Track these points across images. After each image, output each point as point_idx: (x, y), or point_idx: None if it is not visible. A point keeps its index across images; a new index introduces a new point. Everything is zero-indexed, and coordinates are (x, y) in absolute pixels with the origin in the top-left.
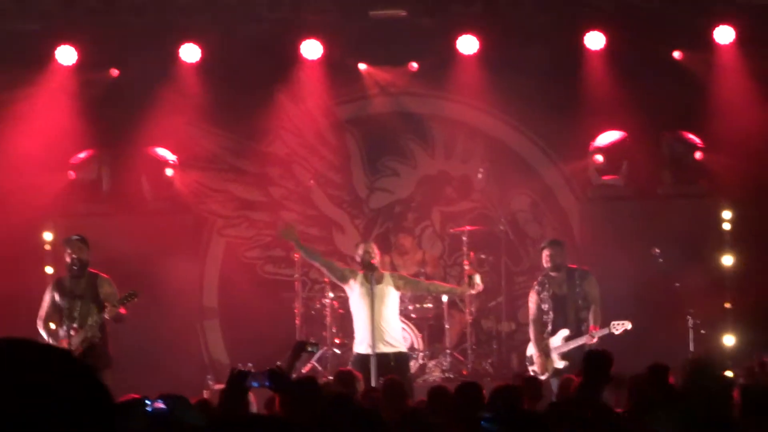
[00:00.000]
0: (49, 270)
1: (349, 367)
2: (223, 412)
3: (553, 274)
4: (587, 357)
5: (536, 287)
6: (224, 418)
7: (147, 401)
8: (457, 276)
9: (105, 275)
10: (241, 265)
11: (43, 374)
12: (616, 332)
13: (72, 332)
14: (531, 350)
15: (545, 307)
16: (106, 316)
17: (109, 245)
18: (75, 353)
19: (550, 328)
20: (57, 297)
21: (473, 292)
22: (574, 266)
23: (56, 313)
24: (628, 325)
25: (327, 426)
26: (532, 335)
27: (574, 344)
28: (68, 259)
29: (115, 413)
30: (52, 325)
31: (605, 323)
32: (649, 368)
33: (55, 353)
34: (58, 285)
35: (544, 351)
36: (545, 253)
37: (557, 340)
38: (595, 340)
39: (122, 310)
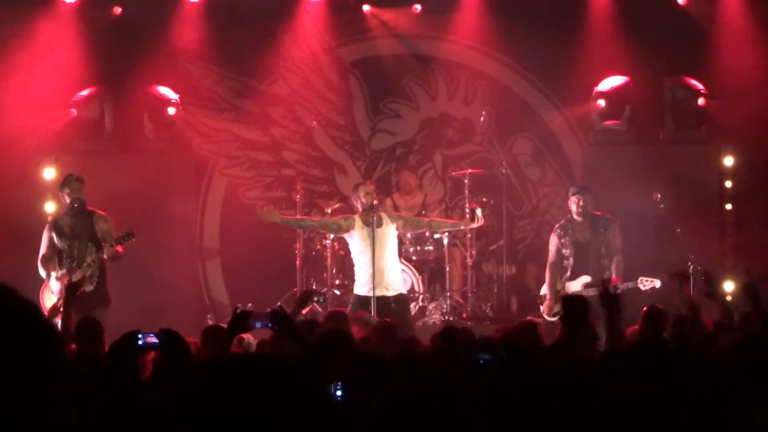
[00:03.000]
0: (49, 207)
1: (340, 308)
2: (217, 350)
3: (577, 219)
4: (564, 303)
5: (558, 231)
6: (216, 357)
7: (139, 335)
8: (458, 218)
9: (101, 212)
10: (242, 205)
11: None
12: (643, 288)
13: (71, 271)
14: (544, 290)
15: (566, 252)
16: (105, 256)
17: (110, 183)
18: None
19: (569, 273)
20: (55, 237)
21: (475, 225)
22: (599, 213)
23: (55, 252)
24: (657, 283)
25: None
26: (547, 278)
27: (594, 292)
28: (67, 199)
29: (59, 359)
30: (52, 265)
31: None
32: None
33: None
34: (56, 224)
35: (558, 295)
36: (575, 200)
37: (577, 285)
38: (617, 292)
39: (119, 249)
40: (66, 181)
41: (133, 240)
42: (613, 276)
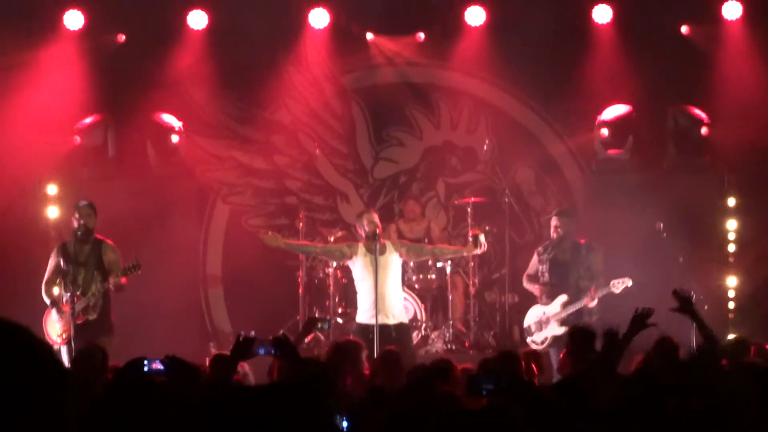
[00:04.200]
0: (52, 234)
1: (353, 337)
2: (216, 378)
3: (558, 240)
4: (570, 334)
5: (539, 248)
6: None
7: (145, 361)
8: (461, 245)
9: (109, 241)
10: (244, 233)
11: None
12: (617, 291)
13: (75, 299)
14: (529, 320)
15: (542, 268)
16: (110, 286)
17: (114, 211)
18: (78, 320)
19: (547, 290)
20: (61, 262)
21: (479, 251)
22: (583, 241)
23: (60, 278)
24: (629, 282)
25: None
26: (528, 285)
27: (572, 308)
28: (75, 224)
29: (66, 388)
30: (56, 291)
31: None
32: (656, 342)
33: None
34: (63, 250)
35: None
36: (552, 223)
37: (556, 307)
38: (594, 301)
39: (123, 280)
40: (77, 207)
41: (139, 272)
42: (592, 288)
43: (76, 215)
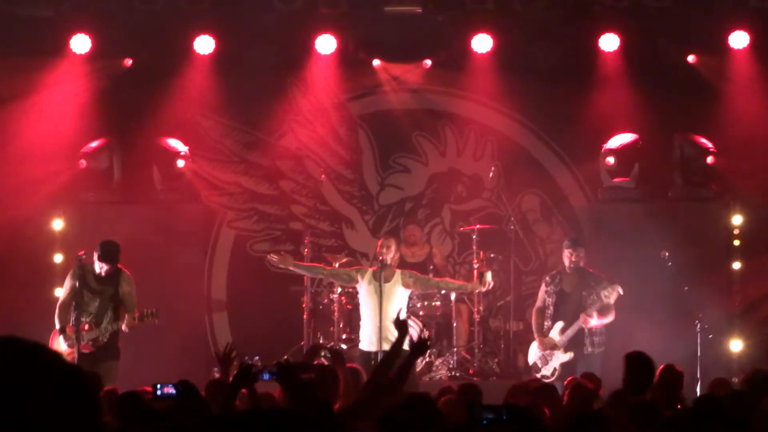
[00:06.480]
0: (57, 258)
1: (354, 364)
2: (225, 403)
3: (568, 271)
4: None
5: (547, 278)
6: (229, 411)
7: (157, 385)
8: (465, 274)
9: (126, 271)
10: (249, 258)
11: (22, 374)
12: (611, 301)
13: (86, 326)
14: (533, 356)
15: (549, 300)
16: (124, 327)
17: (119, 234)
18: (83, 348)
19: (549, 321)
20: (77, 285)
21: (483, 289)
22: (591, 270)
23: (73, 300)
24: (620, 289)
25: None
26: (533, 321)
27: (571, 332)
28: (95, 258)
29: (97, 412)
30: (67, 314)
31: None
32: (660, 371)
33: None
34: (81, 273)
35: (544, 334)
36: (568, 254)
37: (555, 334)
38: (592, 320)
39: (136, 322)
40: (106, 249)
41: (156, 322)
42: (582, 314)
43: (103, 266)
